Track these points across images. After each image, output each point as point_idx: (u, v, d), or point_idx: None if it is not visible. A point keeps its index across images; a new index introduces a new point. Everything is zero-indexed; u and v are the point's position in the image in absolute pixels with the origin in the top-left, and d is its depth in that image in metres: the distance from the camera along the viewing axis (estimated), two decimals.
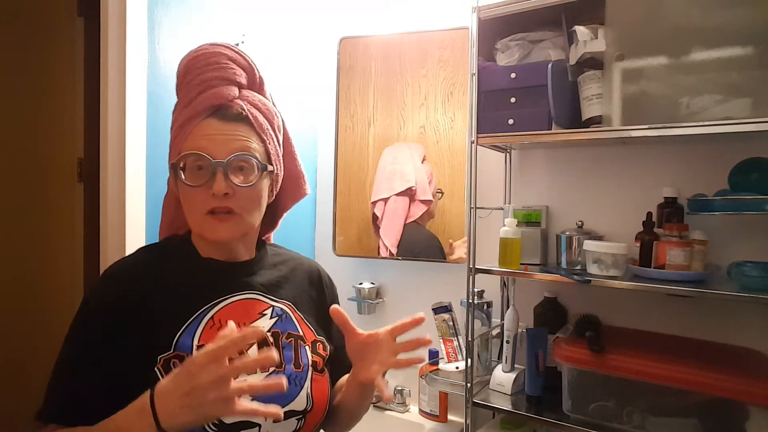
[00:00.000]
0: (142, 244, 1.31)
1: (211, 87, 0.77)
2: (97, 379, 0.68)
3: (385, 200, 1.72)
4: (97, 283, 0.75)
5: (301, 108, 1.88)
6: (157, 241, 0.88)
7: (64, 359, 0.71)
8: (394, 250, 1.70)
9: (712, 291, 1.03)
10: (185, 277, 0.77)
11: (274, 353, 0.59)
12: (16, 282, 1.73)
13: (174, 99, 0.83)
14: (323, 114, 1.93)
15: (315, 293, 0.91)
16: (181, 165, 0.75)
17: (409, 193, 1.68)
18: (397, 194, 1.70)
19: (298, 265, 0.92)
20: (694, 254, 1.11)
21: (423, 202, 1.67)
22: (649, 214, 1.22)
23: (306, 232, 1.94)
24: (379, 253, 1.74)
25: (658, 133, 1.08)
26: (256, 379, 0.67)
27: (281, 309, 0.82)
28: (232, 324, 0.61)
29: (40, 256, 1.72)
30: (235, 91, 0.79)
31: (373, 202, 1.75)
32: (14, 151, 1.76)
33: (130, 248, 1.28)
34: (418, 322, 0.76)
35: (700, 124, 1.03)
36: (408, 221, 1.69)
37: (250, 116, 0.78)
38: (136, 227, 1.29)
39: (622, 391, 1.15)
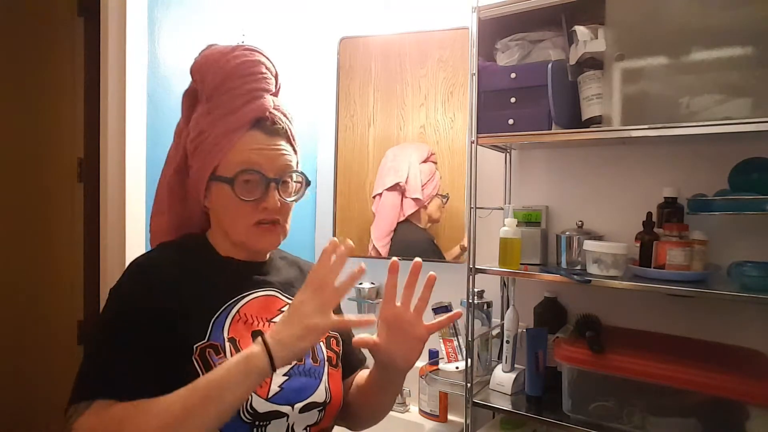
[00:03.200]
0: (142, 243, 1.31)
1: (256, 98, 0.79)
2: (137, 361, 0.68)
3: (380, 196, 1.74)
4: (127, 273, 0.75)
5: (301, 108, 1.88)
6: (151, 239, 0.89)
7: (102, 342, 0.70)
8: (378, 245, 1.70)
9: (712, 291, 1.04)
10: (209, 273, 0.79)
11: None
12: (16, 282, 1.72)
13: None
14: (323, 114, 1.93)
15: None
16: (231, 177, 0.76)
17: (399, 189, 1.69)
18: (387, 189, 1.71)
19: (303, 265, 0.95)
20: (694, 254, 1.11)
21: (414, 200, 1.67)
22: (649, 214, 1.22)
23: (306, 232, 1.94)
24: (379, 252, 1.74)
25: (658, 133, 1.08)
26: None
27: None
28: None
29: (40, 256, 1.72)
30: (271, 101, 0.81)
31: (373, 197, 1.77)
32: (14, 151, 1.76)
33: (130, 248, 1.28)
34: (456, 317, 0.82)
35: (700, 124, 1.03)
36: (401, 219, 1.69)
37: (288, 129, 0.81)
38: (136, 227, 1.29)
39: (622, 391, 1.15)
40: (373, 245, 1.71)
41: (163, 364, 0.68)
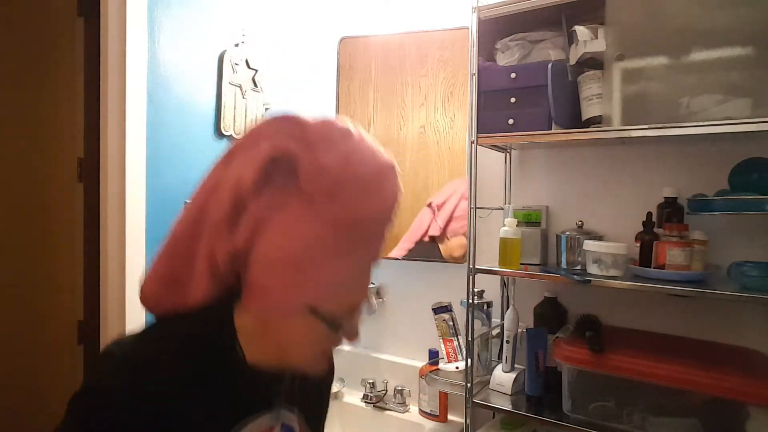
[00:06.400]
0: (142, 244, 1.30)
1: (383, 240, 0.63)
2: None
3: (429, 206, 1.70)
4: (112, 368, 0.53)
5: (301, 108, 1.88)
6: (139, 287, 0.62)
7: None
8: (402, 247, 1.70)
9: (712, 291, 1.03)
10: (220, 383, 0.57)
11: None
12: (15, 282, 1.73)
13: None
14: (323, 114, 1.93)
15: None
16: None
17: (431, 208, 1.67)
18: (427, 205, 1.69)
19: None
20: (694, 254, 1.11)
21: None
22: (649, 214, 1.22)
23: None
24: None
25: (658, 133, 1.08)
26: None
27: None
28: None
29: (40, 256, 1.72)
30: None
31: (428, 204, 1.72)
32: (15, 151, 1.76)
33: (130, 248, 1.27)
34: None
35: (700, 124, 1.03)
36: (426, 238, 1.68)
37: None
38: (136, 227, 1.29)
39: (622, 391, 1.15)
40: (398, 246, 1.70)
41: None
